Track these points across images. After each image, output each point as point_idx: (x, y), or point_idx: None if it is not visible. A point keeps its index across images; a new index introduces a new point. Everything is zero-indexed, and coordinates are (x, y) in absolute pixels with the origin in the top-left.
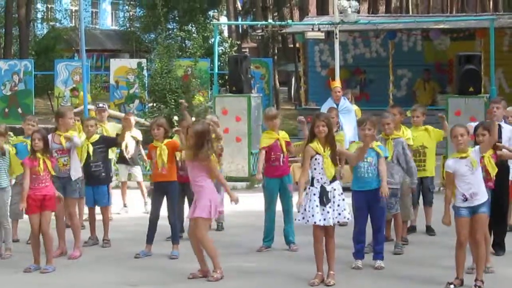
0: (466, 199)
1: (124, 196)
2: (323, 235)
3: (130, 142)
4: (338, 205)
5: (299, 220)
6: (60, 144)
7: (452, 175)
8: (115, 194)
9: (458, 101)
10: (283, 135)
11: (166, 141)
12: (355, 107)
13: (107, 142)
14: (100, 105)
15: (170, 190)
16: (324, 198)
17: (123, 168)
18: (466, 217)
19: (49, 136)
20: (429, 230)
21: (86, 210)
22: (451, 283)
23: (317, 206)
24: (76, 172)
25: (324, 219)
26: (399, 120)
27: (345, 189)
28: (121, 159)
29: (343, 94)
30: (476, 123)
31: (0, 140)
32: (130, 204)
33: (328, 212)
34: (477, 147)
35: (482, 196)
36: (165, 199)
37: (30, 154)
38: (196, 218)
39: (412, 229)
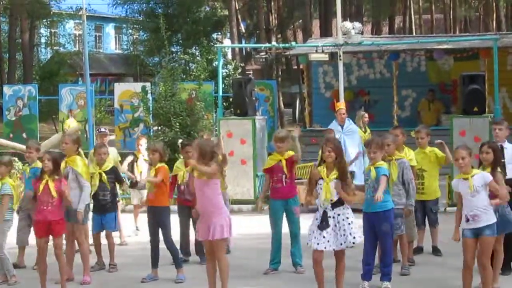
0: (467, 220)
1: (136, 219)
2: (322, 258)
3: (144, 166)
4: (344, 230)
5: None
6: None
7: (459, 194)
8: (128, 218)
9: (463, 121)
10: (287, 154)
11: (158, 165)
12: (367, 131)
13: (115, 176)
14: (102, 129)
15: (161, 215)
16: (324, 222)
17: (136, 192)
18: (470, 237)
19: None
20: (436, 251)
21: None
22: None
23: (316, 230)
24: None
25: (318, 244)
26: (401, 141)
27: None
28: (132, 184)
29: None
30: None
31: (4, 170)
32: (140, 228)
33: (324, 237)
34: (485, 173)
35: (486, 219)
36: None
37: (39, 176)
38: (216, 240)
39: (419, 250)
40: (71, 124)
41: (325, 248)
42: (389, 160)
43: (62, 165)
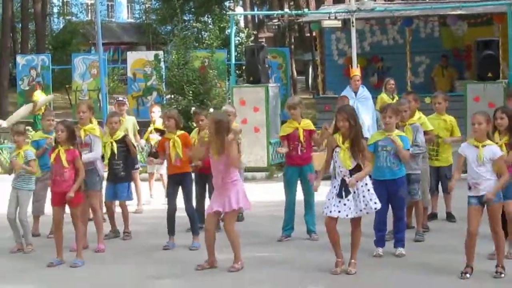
0: (469, 188)
1: (151, 187)
2: (335, 225)
3: (156, 136)
4: (364, 196)
5: (322, 211)
6: (80, 138)
7: (462, 157)
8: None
9: (477, 87)
10: (304, 124)
11: (178, 133)
12: (395, 98)
13: (126, 145)
14: (120, 98)
15: (185, 181)
16: (343, 190)
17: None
18: (475, 205)
19: None
20: (450, 217)
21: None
22: (465, 272)
23: (332, 198)
24: (102, 166)
25: (339, 212)
26: (414, 107)
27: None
28: (150, 154)
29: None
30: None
31: (22, 139)
32: (154, 196)
33: (345, 205)
34: (496, 148)
35: (489, 187)
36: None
37: (54, 146)
38: (228, 212)
39: (433, 216)
40: (39, 96)
41: (346, 215)
42: (403, 126)
43: (82, 133)
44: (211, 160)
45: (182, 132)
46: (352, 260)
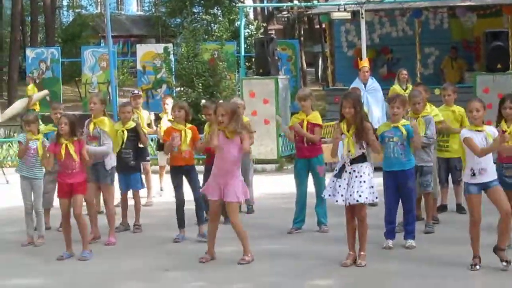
0: (474, 174)
1: (161, 180)
2: (353, 215)
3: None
4: (353, 187)
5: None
6: (88, 129)
7: (469, 139)
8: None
9: (486, 78)
10: (311, 116)
11: (188, 125)
12: (408, 89)
13: (138, 135)
14: (135, 91)
15: (191, 173)
16: (339, 172)
17: (161, 154)
18: (476, 194)
19: (86, 122)
20: (460, 208)
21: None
22: (474, 264)
23: (333, 181)
24: (112, 160)
25: (329, 195)
26: (424, 98)
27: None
28: (160, 146)
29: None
30: None
31: (32, 128)
32: (164, 189)
33: (337, 188)
34: (493, 128)
35: (491, 173)
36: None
37: (55, 140)
38: (230, 203)
39: (443, 207)
40: (32, 90)
41: (336, 201)
42: (416, 118)
43: (91, 126)
44: (220, 143)
45: (190, 125)
46: (362, 252)
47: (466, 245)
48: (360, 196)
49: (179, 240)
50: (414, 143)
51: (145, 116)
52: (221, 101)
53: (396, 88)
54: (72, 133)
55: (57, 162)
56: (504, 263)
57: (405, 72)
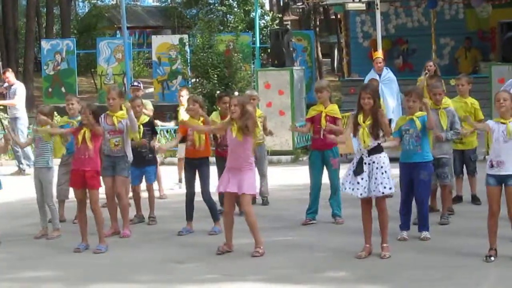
0: (492, 166)
1: (180, 172)
2: (369, 206)
3: (186, 117)
4: (376, 179)
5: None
6: (112, 125)
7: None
8: (167, 171)
9: (501, 68)
10: (330, 109)
11: (202, 118)
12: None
13: (152, 128)
14: (135, 83)
15: (203, 166)
16: (358, 168)
17: (181, 145)
18: (494, 186)
19: (102, 117)
20: (475, 200)
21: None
22: (490, 256)
23: (349, 175)
24: (130, 154)
25: (353, 189)
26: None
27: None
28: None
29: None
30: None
31: (47, 120)
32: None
33: (358, 183)
34: None
35: (509, 167)
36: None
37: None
38: (244, 194)
39: (458, 199)
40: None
41: (360, 194)
42: (437, 109)
43: (115, 120)
44: (230, 141)
45: (203, 117)
46: (384, 244)
47: (481, 237)
48: (385, 187)
49: (183, 233)
50: (429, 127)
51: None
52: (236, 93)
53: (422, 79)
54: (94, 123)
55: (75, 147)
56: None
57: (430, 63)
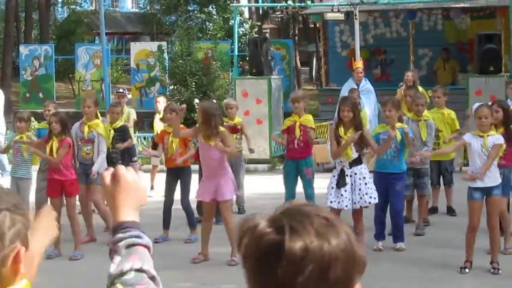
0: (474, 180)
1: (153, 178)
2: (338, 216)
3: (160, 126)
4: (360, 189)
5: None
6: (83, 134)
7: (464, 142)
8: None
9: (479, 80)
10: (304, 119)
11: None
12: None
13: (123, 135)
14: (120, 90)
15: (183, 175)
16: (340, 180)
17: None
18: (478, 200)
19: (77, 124)
20: (450, 211)
21: None
22: (465, 267)
23: (332, 188)
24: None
25: (338, 202)
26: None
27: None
28: (154, 146)
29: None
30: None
31: (24, 126)
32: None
33: (342, 195)
34: (498, 136)
35: (493, 178)
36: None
37: (48, 136)
38: (223, 201)
39: (434, 210)
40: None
41: (346, 206)
42: (418, 121)
43: (86, 129)
44: (201, 148)
45: (181, 125)
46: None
47: (456, 248)
48: (370, 197)
49: (159, 240)
50: (407, 143)
51: (125, 114)
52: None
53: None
54: (63, 131)
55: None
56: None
57: (409, 73)
